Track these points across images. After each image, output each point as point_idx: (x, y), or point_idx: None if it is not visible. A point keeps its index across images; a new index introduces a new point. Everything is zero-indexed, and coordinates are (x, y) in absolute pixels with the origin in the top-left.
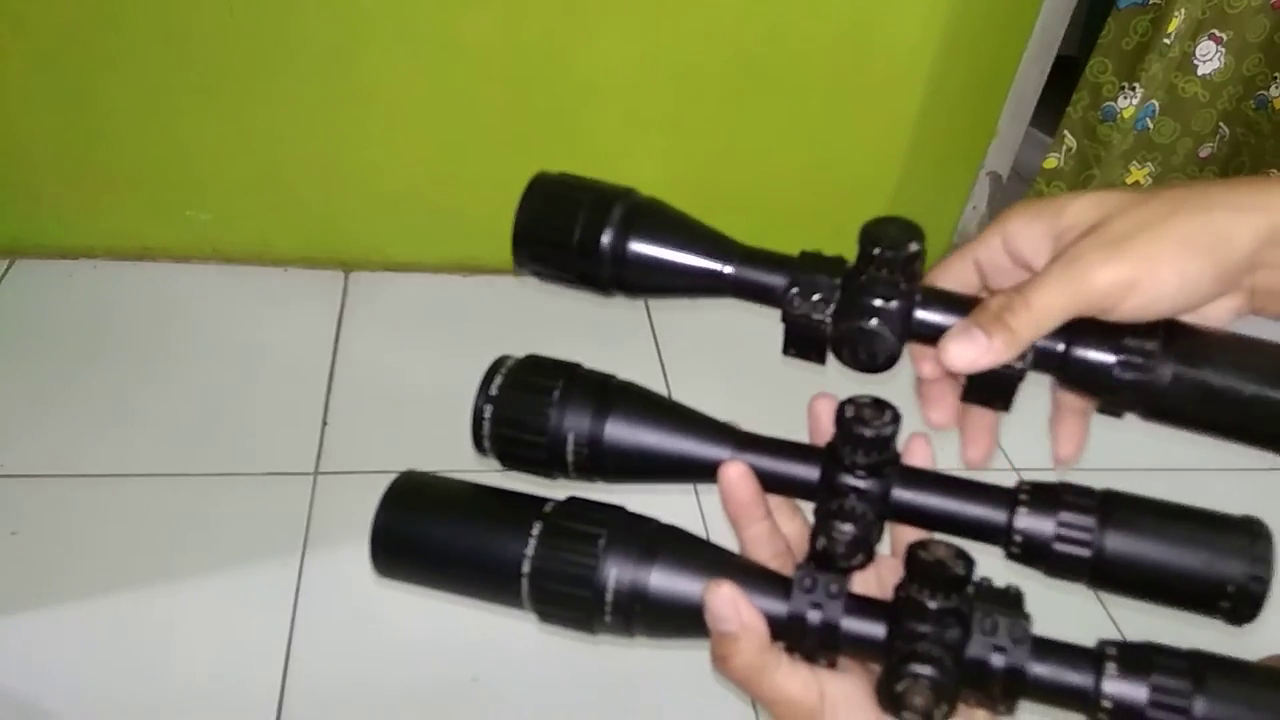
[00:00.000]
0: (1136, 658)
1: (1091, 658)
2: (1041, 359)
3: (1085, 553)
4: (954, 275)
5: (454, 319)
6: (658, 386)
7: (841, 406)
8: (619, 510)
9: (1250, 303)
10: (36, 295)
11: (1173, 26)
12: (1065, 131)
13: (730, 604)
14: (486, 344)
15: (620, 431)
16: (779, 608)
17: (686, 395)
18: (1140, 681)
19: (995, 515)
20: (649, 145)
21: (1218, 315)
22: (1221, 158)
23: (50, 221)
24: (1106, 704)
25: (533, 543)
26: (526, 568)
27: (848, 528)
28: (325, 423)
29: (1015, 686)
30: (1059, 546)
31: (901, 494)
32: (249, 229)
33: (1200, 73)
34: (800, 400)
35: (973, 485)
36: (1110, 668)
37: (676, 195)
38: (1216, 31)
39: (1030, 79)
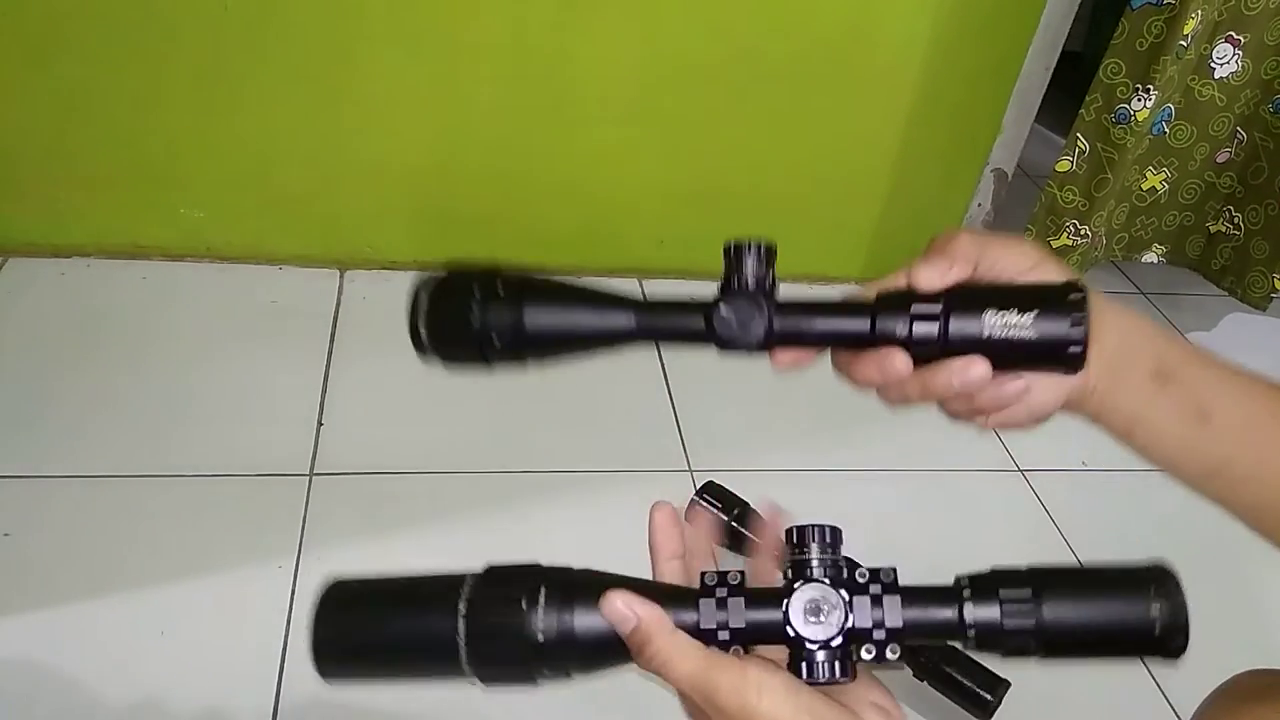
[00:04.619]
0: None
1: (952, 593)
2: None
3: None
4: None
5: None
6: (658, 386)
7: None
8: (534, 568)
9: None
10: (28, 294)
11: (1188, 28)
12: (1078, 134)
13: (622, 606)
14: None
15: (537, 319)
16: (690, 613)
17: (686, 395)
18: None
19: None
20: (648, 141)
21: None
22: (1239, 163)
23: (42, 220)
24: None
25: (462, 621)
26: (462, 642)
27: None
28: (320, 423)
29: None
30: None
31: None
32: (243, 227)
33: (1217, 75)
34: (796, 397)
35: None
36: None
37: (676, 192)
38: (1234, 34)
39: (1035, 75)
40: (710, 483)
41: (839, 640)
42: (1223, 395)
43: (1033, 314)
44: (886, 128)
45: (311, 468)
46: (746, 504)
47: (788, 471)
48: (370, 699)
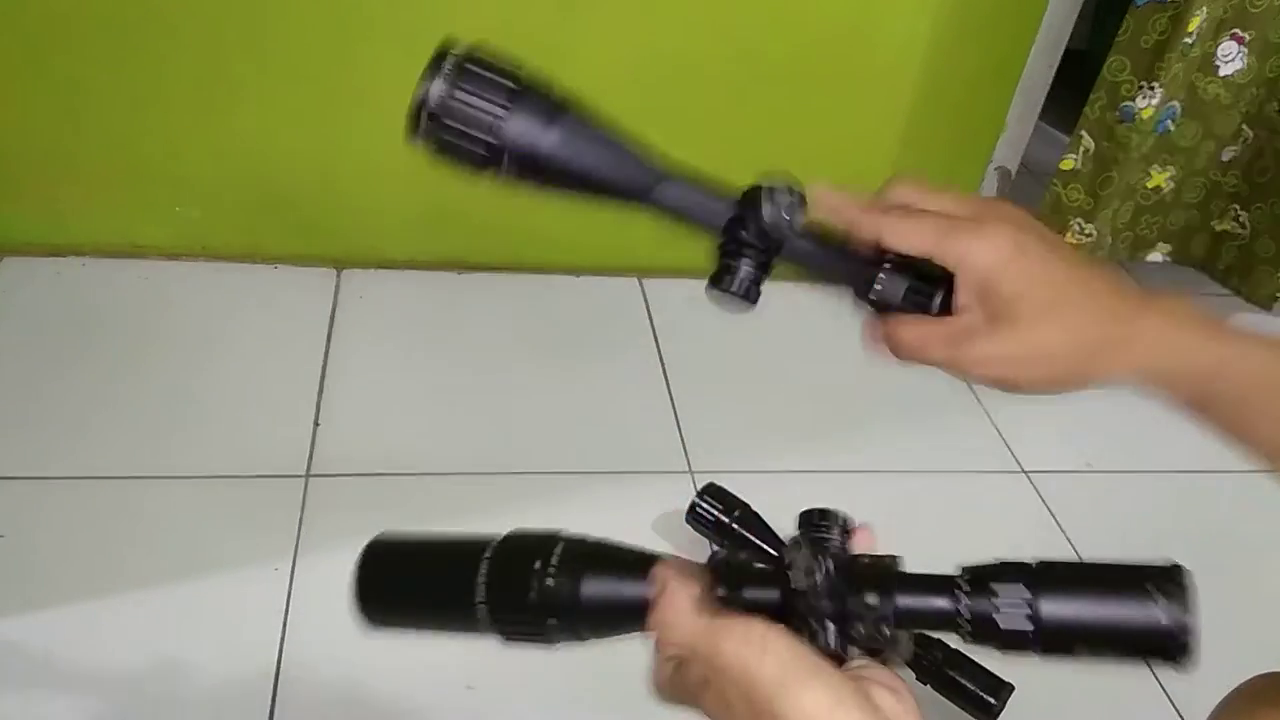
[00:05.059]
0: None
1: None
2: None
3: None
4: None
5: (447, 317)
6: (658, 386)
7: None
8: (552, 535)
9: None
10: (25, 294)
11: (1193, 25)
12: (1083, 132)
13: (661, 573)
14: (480, 343)
15: (559, 151)
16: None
17: (686, 395)
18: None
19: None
20: (647, 141)
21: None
22: (1244, 161)
23: (39, 219)
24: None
25: (482, 579)
26: (481, 597)
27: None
28: (317, 424)
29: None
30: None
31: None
32: (239, 226)
33: (1222, 73)
34: (798, 398)
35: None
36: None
37: None
38: (1239, 31)
39: (1038, 73)
40: (711, 484)
41: (830, 620)
42: (1275, 422)
43: None
44: (887, 128)
45: (308, 468)
46: (747, 505)
47: (788, 472)
48: (368, 700)
